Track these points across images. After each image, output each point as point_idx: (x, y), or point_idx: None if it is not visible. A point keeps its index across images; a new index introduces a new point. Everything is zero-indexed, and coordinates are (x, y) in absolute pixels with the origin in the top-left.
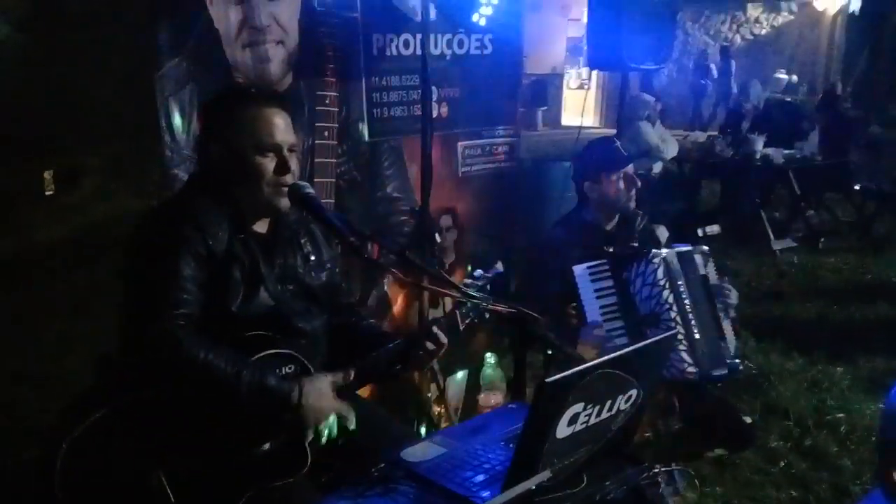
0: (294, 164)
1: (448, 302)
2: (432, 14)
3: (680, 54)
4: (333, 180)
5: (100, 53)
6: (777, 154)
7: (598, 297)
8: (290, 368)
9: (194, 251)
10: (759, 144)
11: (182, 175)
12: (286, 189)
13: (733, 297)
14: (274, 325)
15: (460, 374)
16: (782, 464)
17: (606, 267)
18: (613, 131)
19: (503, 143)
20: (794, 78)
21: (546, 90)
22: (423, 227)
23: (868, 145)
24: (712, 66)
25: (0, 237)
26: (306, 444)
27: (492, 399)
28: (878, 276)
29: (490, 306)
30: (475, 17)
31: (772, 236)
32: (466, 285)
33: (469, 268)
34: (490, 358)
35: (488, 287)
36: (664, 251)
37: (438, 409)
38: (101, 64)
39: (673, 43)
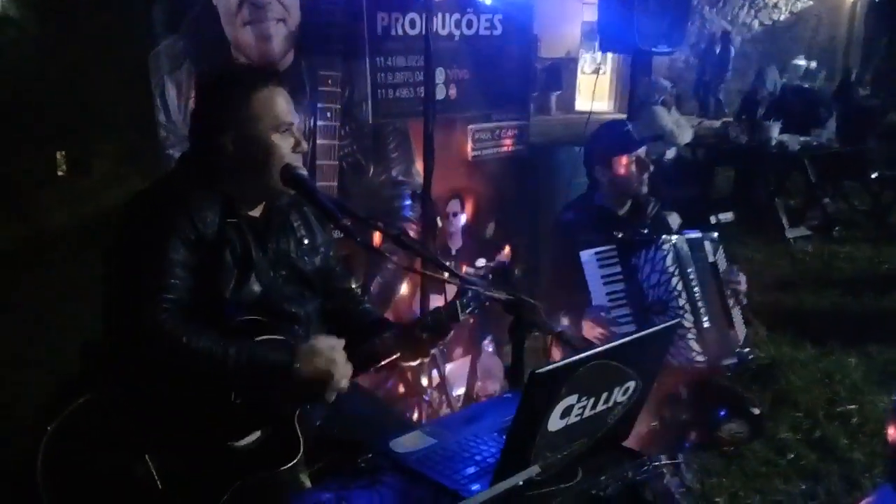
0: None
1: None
2: None
3: (697, 40)
4: (336, 163)
5: (113, 39)
6: (793, 141)
7: (605, 283)
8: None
9: (183, 236)
10: (775, 131)
11: (177, 156)
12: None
13: (743, 283)
14: (266, 310)
15: (462, 361)
16: (791, 456)
17: (614, 252)
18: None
19: (514, 127)
20: (813, 64)
21: (560, 74)
22: (425, 211)
23: (886, 133)
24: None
25: (11, 220)
26: (298, 432)
27: (490, 387)
28: (894, 266)
29: (487, 292)
30: None
31: (786, 224)
32: (468, 273)
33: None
34: (488, 346)
35: (490, 276)
36: (674, 237)
37: (440, 396)
38: (113, 49)
39: (686, 26)
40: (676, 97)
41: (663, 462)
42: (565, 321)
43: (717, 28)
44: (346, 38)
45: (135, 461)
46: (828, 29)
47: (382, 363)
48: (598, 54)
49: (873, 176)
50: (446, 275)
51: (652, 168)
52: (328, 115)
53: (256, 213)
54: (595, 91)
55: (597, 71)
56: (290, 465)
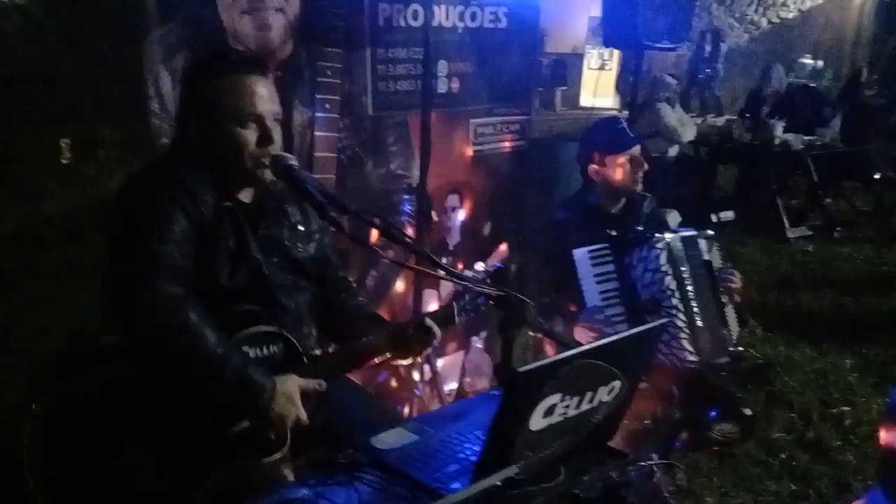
0: (277, 134)
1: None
2: None
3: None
4: (335, 155)
5: (116, 26)
6: (796, 140)
7: (598, 282)
8: (277, 348)
9: (185, 209)
10: (779, 130)
11: None
12: (269, 161)
13: (737, 281)
14: (257, 299)
15: (455, 356)
16: (783, 456)
17: (608, 251)
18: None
19: (516, 122)
20: (820, 63)
21: (566, 70)
22: (420, 205)
23: (889, 134)
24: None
25: (16, 204)
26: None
27: (478, 384)
28: (894, 268)
29: (477, 288)
30: None
31: (787, 224)
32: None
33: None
34: (477, 342)
35: (488, 281)
36: (668, 236)
37: (431, 391)
38: (117, 37)
39: (691, 21)
40: (681, 94)
41: (649, 462)
42: (559, 324)
43: (726, 26)
44: (347, 28)
45: (123, 442)
46: (836, 28)
47: (373, 361)
48: (605, 50)
49: (876, 177)
50: (437, 271)
51: (647, 166)
52: (327, 106)
53: (247, 198)
54: (600, 87)
55: (602, 67)
56: (275, 457)
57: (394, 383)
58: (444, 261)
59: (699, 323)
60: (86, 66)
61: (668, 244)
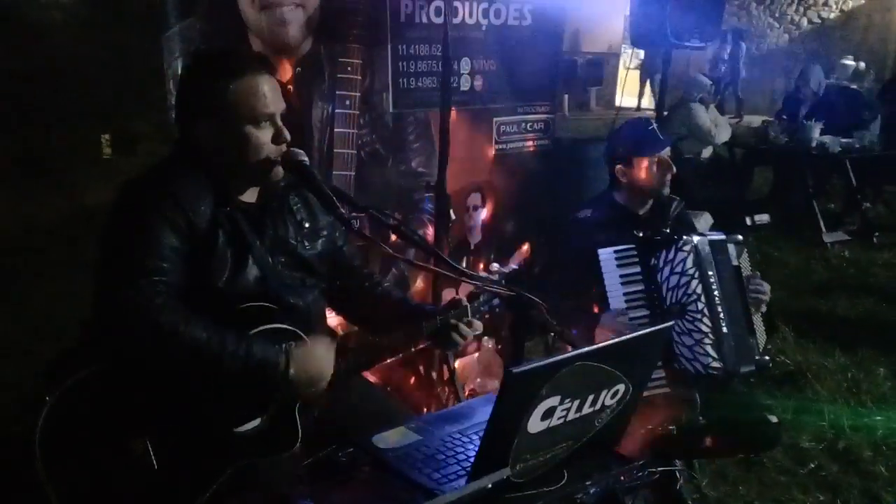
0: (286, 131)
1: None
2: None
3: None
4: (354, 151)
5: (154, 21)
6: (834, 142)
7: (623, 284)
8: (288, 346)
9: (175, 225)
10: (816, 132)
11: None
12: (281, 157)
13: (766, 293)
14: (263, 299)
15: (474, 357)
16: (812, 465)
17: (634, 252)
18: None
19: (540, 121)
20: (862, 65)
21: (602, 69)
22: (438, 203)
23: None
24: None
25: (57, 197)
26: (297, 420)
27: (489, 385)
28: None
29: (488, 288)
30: None
31: (823, 228)
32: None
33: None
34: (488, 342)
35: (502, 282)
36: (695, 238)
37: (449, 391)
38: (154, 31)
39: (721, 20)
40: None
41: (656, 469)
42: (582, 324)
43: (766, 26)
44: (368, 24)
45: (133, 439)
46: (878, 29)
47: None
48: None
49: None
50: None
51: (675, 169)
52: (347, 103)
53: (251, 198)
54: (630, 87)
55: (640, 66)
56: (286, 454)
57: (413, 382)
58: (465, 260)
59: (724, 329)
60: (125, 60)
61: (695, 247)
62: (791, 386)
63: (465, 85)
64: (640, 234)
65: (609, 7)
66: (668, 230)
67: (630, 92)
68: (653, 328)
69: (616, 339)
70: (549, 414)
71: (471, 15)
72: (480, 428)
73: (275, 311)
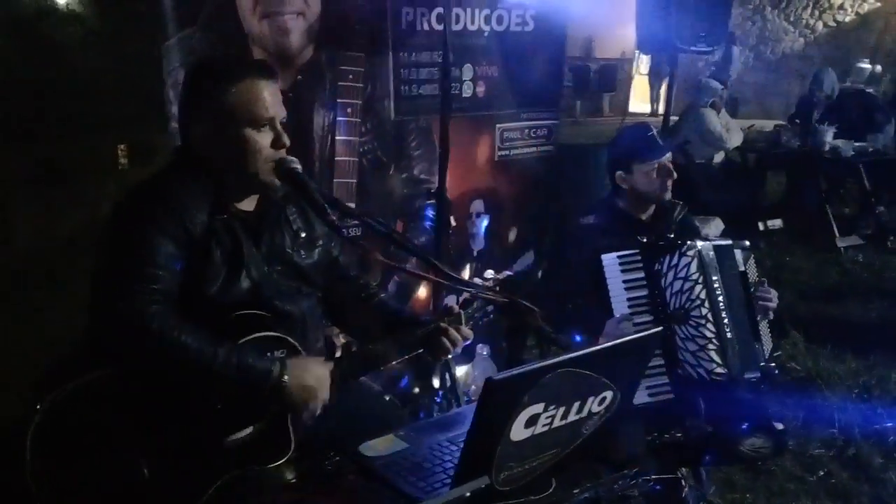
0: (286, 137)
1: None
2: None
3: (757, 41)
4: (356, 159)
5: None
6: (847, 146)
7: (626, 289)
8: (281, 353)
9: (171, 233)
10: (829, 136)
11: None
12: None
13: (773, 299)
14: (258, 307)
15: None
16: (821, 472)
17: (638, 257)
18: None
19: (543, 127)
20: (878, 68)
21: (614, 75)
22: (439, 210)
23: None
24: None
25: (74, 207)
26: (290, 429)
27: None
28: None
29: (482, 295)
30: None
31: (836, 233)
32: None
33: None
34: (483, 349)
35: (497, 288)
36: (700, 243)
37: (450, 398)
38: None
39: (728, 24)
40: (732, 99)
41: (650, 477)
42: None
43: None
44: (369, 32)
45: (123, 451)
46: (895, 31)
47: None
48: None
49: None
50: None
51: (675, 175)
52: (349, 110)
53: (249, 206)
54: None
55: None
56: (278, 463)
57: (416, 390)
58: (468, 266)
59: (729, 335)
60: (140, 71)
61: (699, 252)
62: (801, 392)
63: (467, 91)
64: (645, 240)
65: (622, 14)
66: (671, 235)
67: (643, 97)
68: (639, 334)
69: (600, 346)
70: (532, 422)
71: (473, 21)
72: None
73: (269, 318)
